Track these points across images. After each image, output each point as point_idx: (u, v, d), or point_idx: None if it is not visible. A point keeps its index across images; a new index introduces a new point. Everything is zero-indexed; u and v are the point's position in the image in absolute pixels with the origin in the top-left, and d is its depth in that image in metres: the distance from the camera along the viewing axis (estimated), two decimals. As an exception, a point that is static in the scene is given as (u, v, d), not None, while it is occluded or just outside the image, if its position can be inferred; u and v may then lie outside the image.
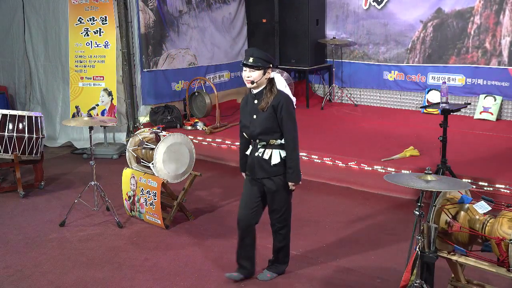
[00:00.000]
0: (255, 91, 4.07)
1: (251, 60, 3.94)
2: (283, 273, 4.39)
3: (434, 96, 8.52)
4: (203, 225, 5.42)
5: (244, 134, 4.20)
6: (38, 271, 4.57)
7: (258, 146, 4.09)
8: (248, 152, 4.22)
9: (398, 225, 5.28)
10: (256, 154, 4.10)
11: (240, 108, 4.21)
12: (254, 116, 4.05)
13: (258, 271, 4.37)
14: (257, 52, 3.98)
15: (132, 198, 5.57)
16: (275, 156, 4.06)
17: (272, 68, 4.05)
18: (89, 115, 5.79)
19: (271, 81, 4.05)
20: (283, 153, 4.07)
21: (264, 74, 3.98)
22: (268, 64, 3.97)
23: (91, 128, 5.60)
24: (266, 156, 4.06)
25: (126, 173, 5.61)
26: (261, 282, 4.28)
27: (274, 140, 4.05)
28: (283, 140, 4.06)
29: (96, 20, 7.99)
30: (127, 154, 5.68)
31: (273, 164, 4.05)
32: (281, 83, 4.10)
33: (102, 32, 8.01)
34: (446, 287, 3.77)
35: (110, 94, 8.04)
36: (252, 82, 3.98)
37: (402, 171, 6.01)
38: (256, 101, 4.07)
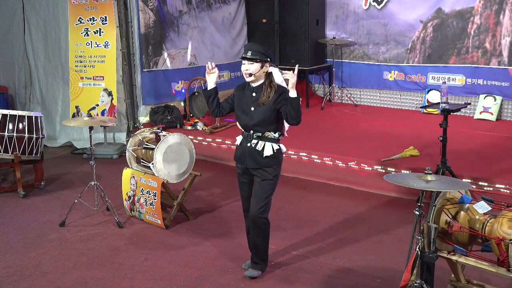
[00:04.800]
0: (254, 85, 4.15)
1: (249, 53, 4.04)
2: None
3: (434, 96, 8.52)
4: (203, 225, 5.42)
5: (238, 124, 4.25)
6: (38, 271, 4.56)
7: (253, 137, 4.14)
8: (238, 143, 4.27)
9: (398, 225, 5.28)
10: (249, 144, 4.15)
11: (235, 97, 4.25)
12: (252, 108, 4.12)
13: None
14: (255, 46, 4.08)
15: (132, 198, 5.56)
16: (268, 148, 4.11)
17: (270, 63, 4.12)
18: (89, 115, 5.79)
19: (269, 76, 4.13)
20: (276, 146, 4.14)
21: (262, 67, 4.06)
22: (266, 58, 4.05)
23: (91, 128, 5.60)
24: (259, 148, 4.11)
25: (126, 173, 5.61)
26: (260, 283, 4.27)
27: (269, 133, 4.12)
28: (277, 134, 4.14)
29: (96, 20, 7.99)
30: (127, 154, 5.68)
31: (265, 156, 4.11)
32: (279, 77, 4.15)
33: (102, 32, 8.01)
34: (446, 287, 3.77)
35: (110, 94, 8.04)
36: (250, 75, 4.06)
37: (402, 171, 6.01)
38: (254, 94, 4.13)
